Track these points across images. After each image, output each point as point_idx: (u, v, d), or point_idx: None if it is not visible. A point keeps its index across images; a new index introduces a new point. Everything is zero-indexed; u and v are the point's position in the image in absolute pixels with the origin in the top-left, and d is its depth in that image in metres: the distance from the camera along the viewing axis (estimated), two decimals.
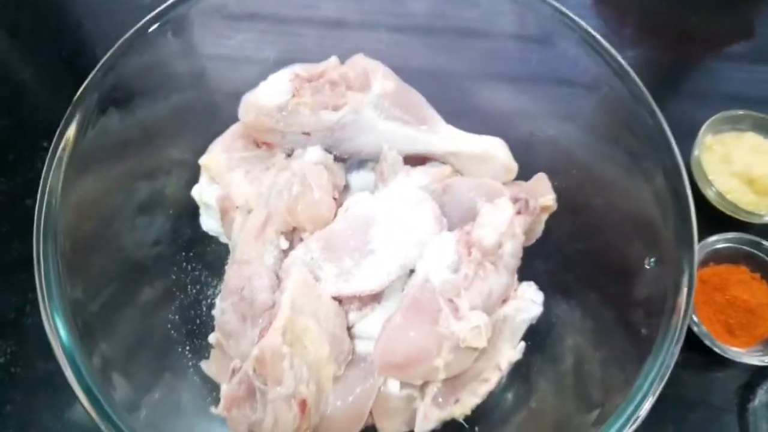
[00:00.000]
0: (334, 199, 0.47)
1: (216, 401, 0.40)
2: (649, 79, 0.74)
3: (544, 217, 0.49)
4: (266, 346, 0.36)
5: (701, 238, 0.58)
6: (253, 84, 0.48)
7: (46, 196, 0.41)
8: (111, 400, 0.35)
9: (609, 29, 0.77)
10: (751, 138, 0.60)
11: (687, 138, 0.61)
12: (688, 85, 0.73)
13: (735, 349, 0.52)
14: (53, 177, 0.41)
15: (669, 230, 0.39)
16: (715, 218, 0.59)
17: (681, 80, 0.74)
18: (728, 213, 0.57)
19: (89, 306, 0.40)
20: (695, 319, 0.51)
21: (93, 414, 0.35)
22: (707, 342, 0.51)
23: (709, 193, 0.58)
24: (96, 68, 0.45)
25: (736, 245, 0.55)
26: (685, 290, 0.36)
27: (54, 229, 0.40)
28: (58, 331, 0.37)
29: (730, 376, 0.54)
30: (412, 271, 0.44)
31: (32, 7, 0.74)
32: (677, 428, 0.51)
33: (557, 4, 0.49)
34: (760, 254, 0.54)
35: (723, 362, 0.51)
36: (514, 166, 0.50)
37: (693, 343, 0.51)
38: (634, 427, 0.33)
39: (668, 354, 0.34)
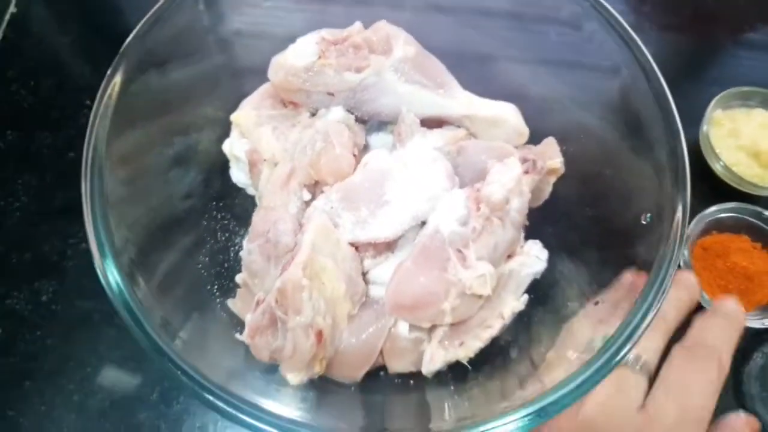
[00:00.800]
0: (354, 156, 0.50)
1: (241, 334, 0.44)
2: (665, 57, 0.76)
3: (552, 179, 0.52)
4: (288, 279, 0.40)
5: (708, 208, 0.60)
6: (280, 49, 0.52)
7: (92, 143, 0.44)
8: (155, 328, 0.39)
9: (629, 7, 0.79)
10: (760, 114, 0.61)
11: (699, 115, 0.63)
12: (703, 64, 0.75)
13: None
14: (99, 127, 0.45)
15: (666, 188, 0.42)
16: (722, 191, 0.61)
17: (696, 59, 0.75)
18: (734, 185, 0.59)
19: (130, 247, 0.44)
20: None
21: (141, 337, 0.38)
22: (706, 306, 0.53)
23: (717, 167, 0.60)
24: (134, 31, 0.48)
25: (738, 215, 0.57)
26: (676, 238, 0.39)
27: (100, 177, 0.43)
28: (105, 269, 0.40)
29: None
30: (423, 223, 0.47)
31: None
32: None
33: None
34: (761, 224, 0.56)
35: None
36: (526, 131, 0.53)
37: None
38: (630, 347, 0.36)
39: (660, 293, 0.37)
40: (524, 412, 0.36)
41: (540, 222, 0.53)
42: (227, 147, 0.53)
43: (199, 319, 0.47)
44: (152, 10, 0.49)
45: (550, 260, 0.50)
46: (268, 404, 0.38)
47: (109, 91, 0.45)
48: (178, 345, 0.40)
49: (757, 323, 0.53)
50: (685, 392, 0.42)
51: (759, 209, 0.57)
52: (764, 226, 0.56)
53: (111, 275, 0.40)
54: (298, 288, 0.40)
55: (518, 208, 0.47)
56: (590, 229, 0.51)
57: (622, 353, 0.37)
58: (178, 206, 0.53)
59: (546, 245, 0.51)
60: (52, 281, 0.60)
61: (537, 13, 0.57)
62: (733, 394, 0.55)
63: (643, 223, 0.43)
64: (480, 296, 0.45)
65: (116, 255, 0.41)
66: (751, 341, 0.56)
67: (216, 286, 0.50)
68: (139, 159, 0.50)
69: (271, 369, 0.44)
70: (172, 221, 0.52)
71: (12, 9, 0.76)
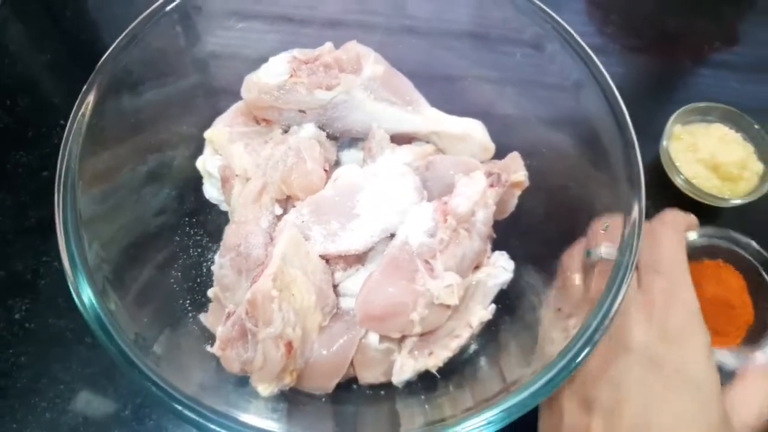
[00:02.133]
0: (325, 171, 0.51)
1: (212, 347, 0.45)
2: (628, 76, 0.79)
3: (517, 192, 0.53)
4: (258, 290, 0.41)
5: None
6: (253, 69, 0.53)
7: (65, 161, 0.45)
8: (127, 343, 0.39)
9: (593, 28, 0.82)
10: (718, 129, 0.64)
11: (662, 131, 0.66)
12: (665, 82, 0.78)
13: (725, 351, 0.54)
14: (72, 145, 0.45)
15: (622, 196, 0.44)
16: (683, 204, 0.63)
17: (658, 78, 0.78)
18: (695, 197, 0.62)
19: (103, 264, 0.44)
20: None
21: (113, 351, 0.39)
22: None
23: (678, 180, 0.62)
24: (109, 50, 0.49)
25: (704, 237, 0.58)
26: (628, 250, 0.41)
27: (73, 194, 0.44)
28: (79, 285, 0.40)
29: None
30: (393, 236, 0.48)
31: None
32: None
33: (539, 4, 0.54)
34: (726, 244, 0.58)
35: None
36: (491, 146, 0.55)
37: None
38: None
39: (616, 298, 0.39)
40: (492, 411, 0.37)
41: (506, 234, 0.54)
42: (200, 164, 0.54)
43: (171, 333, 0.47)
44: (127, 30, 0.50)
45: (517, 271, 0.51)
46: (240, 415, 0.39)
47: (82, 109, 0.46)
48: (151, 359, 0.40)
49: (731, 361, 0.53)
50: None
51: (722, 229, 0.58)
52: (730, 245, 0.57)
53: (84, 292, 0.40)
54: (268, 299, 0.40)
55: (484, 219, 0.48)
56: (555, 240, 0.52)
57: (580, 357, 0.38)
58: (151, 223, 0.54)
59: (512, 256, 0.52)
60: (26, 299, 0.60)
61: (502, 34, 0.59)
62: None
63: (602, 232, 0.45)
64: (448, 306, 0.47)
65: (89, 272, 0.41)
66: None
67: (188, 301, 0.51)
68: (112, 176, 0.51)
69: (243, 381, 0.44)
70: (146, 238, 0.52)
71: None
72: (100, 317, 0.39)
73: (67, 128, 0.46)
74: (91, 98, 0.47)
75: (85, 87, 0.48)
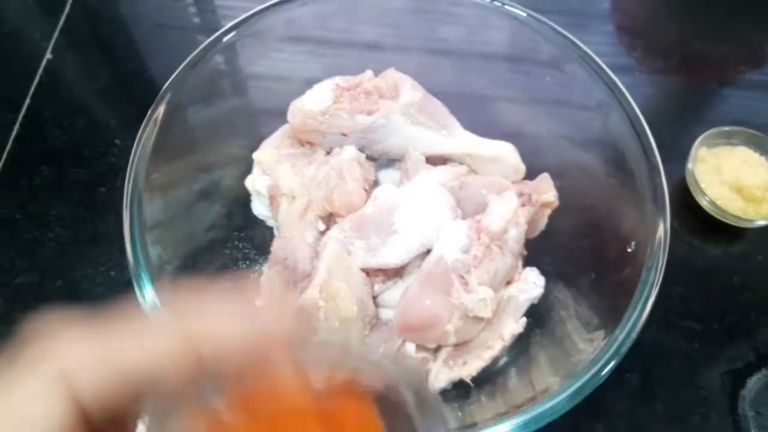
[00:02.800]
0: (365, 190, 0.55)
1: None
2: (655, 98, 0.82)
3: (547, 212, 0.56)
4: (306, 299, 0.44)
5: (694, 244, 0.65)
6: (298, 93, 0.57)
7: (131, 179, 0.49)
8: None
9: (621, 50, 0.84)
10: (742, 152, 0.66)
11: (688, 152, 0.68)
12: (691, 105, 0.80)
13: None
14: (138, 163, 0.50)
15: (648, 218, 0.46)
16: (709, 226, 0.65)
17: (684, 100, 0.80)
18: (719, 218, 0.63)
19: (162, 274, 0.48)
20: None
21: None
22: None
23: (703, 202, 0.64)
24: (173, 75, 0.54)
25: None
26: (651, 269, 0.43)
27: (140, 206, 0.48)
28: (144, 292, 0.44)
29: (719, 364, 0.59)
30: (429, 251, 0.52)
31: (105, 23, 0.85)
32: (665, 405, 0.57)
33: (566, 33, 0.57)
34: None
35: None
36: (522, 168, 0.58)
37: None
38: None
39: (641, 314, 0.42)
40: (520, 418, 0.39)
41: (537, 251, 0.57)
42: (249, 182, 0.58)
43: None
44: (189, 57, 0.55)
45: (547, 286, 0.54)
46: None
47: (145, 137, 0.50)
48: None
49: None
50: None
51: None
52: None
53: (148, 296, 0.44)
54: (314, 308, 0.44)
55: (516, 237, 0.51)
56: (583, 258, 0.55)
57: (608, 368, 0.41)
58: (203, 237, 0.58)
59: (543, 272, 0.55)
60: (83, 306, 0.64)
61: (530, 58, 0.62)
62: (730, 417, 0.57)
63: (629, 251, 0.47)
64: (481, 319, 0.49)
65: (153, 277, 0.45)
66: (746, 365, 0.58)
67: None
68: (171, 193, 0.55)
69: None
70: (198, 251, 0.56)
71: (48, 56, 0.82)
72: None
73: (134, 145, 0.50)
74: (159, 115, 0.51)
75: (151, 108, 0.52)
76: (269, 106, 0.64)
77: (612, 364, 0.41)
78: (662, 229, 0.45)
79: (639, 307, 0.42)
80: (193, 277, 0.53)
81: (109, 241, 0.66)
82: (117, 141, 0.73)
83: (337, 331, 0.45)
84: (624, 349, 0.41)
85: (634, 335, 0.41)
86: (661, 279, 0.43)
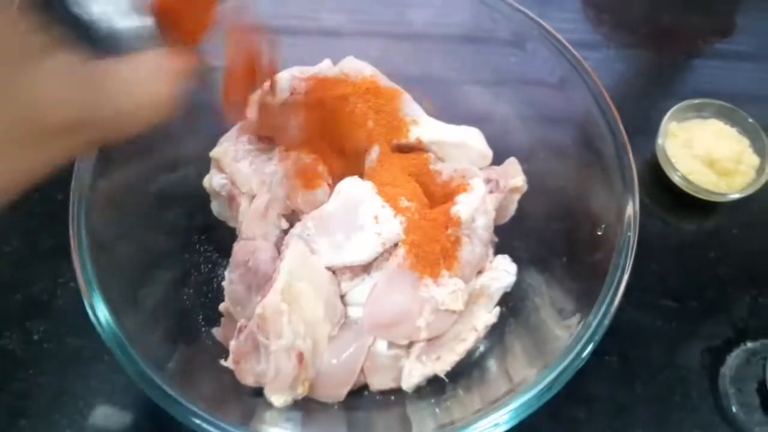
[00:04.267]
0: (328, 185, 0.53)
1: (226, 361, 0.46)
2: (623, 74, 0.80)
3: (516, 197, 0.55)
4: (267, 304, 0.42)
5: (668, 221, 0.64)
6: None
7: (78, 184, 0.47)
8: (144, 359, 0.41)
9: (588, 26, 0.83)
10: (713, 124, 0.65)
11: (657, 128, 0.67)
12: (660, 79, 0.79)
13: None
14: (84, 169, 0.47)
15: (615, 199, 0.45)
16: (683, 202, 0.64)
17: (653, 75, 0.79)
18: (691, 193, 0.62)
19: (117, 283, 0.46)
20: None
21: (130, 369, 0.40)
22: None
23: (675, 177, 0.63)
24: None
25: None
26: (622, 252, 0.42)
27: (86, 216, 0.46)
28: (94, 306, 0.42)
29: (698, 342, 0.58)
30: (396, 245, 0.50)
31: None
32: (645, 387, 0.56)
33: (525, 10, 0.55)
34: None
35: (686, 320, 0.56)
36: (489, 153, 0.56)
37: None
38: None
39: (613, 298, 0.40)
40: (499, 413, 0.38)
41: (509, 237, 0.56)
42: (207, 182, 0.56)
43: (186, 348, 0.49)
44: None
45: (520, 273, 0.53)
46: (256, 426, 0.41)
47: None
48: (167, 374, 0.42)
49: None
50: None
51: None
52: None
53: (100, 312, 0.42)
54: (277, 312, 0.42)
55: (484, 225, 0.49)
56: (555, 242, 0.53)
57: (585, 353, 0.39)
58: (162, 242, 0.55)
59: (515, 258, 0.54)
60: (42, 320, 0.61)
61: (495, 38, 0.60)
62: (711, 396, 0.57)
63: (599, 234, 0.46)
64: (453, 311, 0.48)
65: (104, 291, 0.43)
66: (725, 342, 0.58)
67: (201, 316, 0.52)
68: (124, 199, 0.52)
69: (257, 393, 0.46)
70: (158, 256, 0.54)
71: None
72: (117, 335, 0.40)
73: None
74: None
75: None
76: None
77: (588, 349, 0.40)
78: (631, 210, 0.43)
79: (612, 291, 0.41)
80: (152, 285, 0.51)
81: (69, 252, 0.63)
82: None
83: None
84: (599, 335, 0.40)
85: (608, 320, 0.40)
86: (632, 260, 0.42)
